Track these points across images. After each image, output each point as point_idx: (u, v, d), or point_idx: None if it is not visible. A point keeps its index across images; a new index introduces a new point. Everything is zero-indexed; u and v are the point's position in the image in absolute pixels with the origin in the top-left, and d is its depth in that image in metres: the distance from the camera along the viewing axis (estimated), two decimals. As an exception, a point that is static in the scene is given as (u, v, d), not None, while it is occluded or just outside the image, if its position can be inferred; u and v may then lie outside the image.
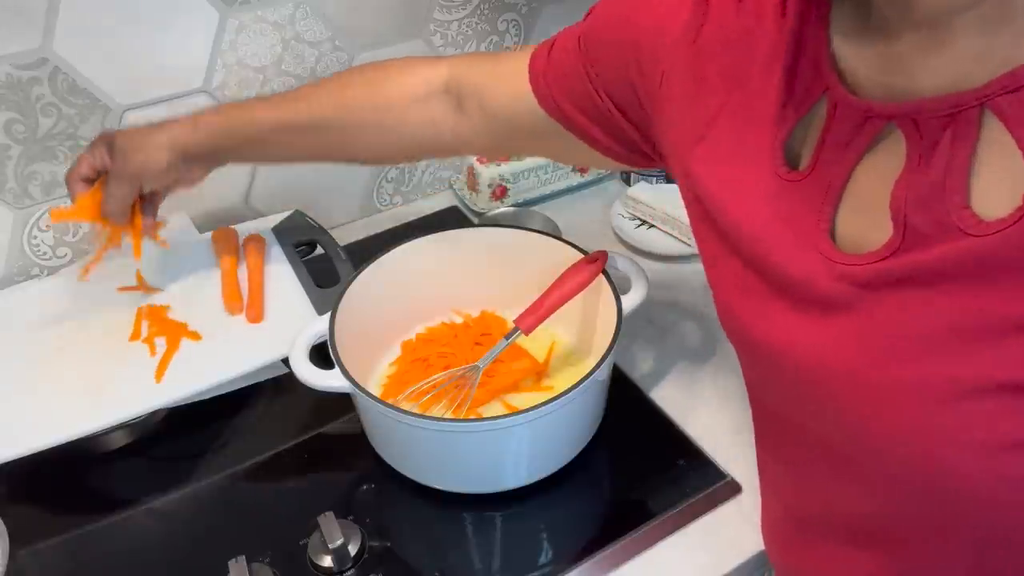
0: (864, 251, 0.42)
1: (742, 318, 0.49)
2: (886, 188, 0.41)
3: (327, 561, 0.66)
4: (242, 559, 0.64)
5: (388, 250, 0.81)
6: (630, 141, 0.62)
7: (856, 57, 0.43)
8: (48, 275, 0.94)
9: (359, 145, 0.73)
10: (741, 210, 0.47)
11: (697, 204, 0.52)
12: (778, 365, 0.47)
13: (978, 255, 0.37)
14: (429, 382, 0.77)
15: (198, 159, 0.74)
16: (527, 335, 0.75)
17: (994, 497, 0.39)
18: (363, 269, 0.79)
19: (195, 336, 0.81)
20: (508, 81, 0.65)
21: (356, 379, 0.68)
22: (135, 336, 0.82)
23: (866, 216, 0.42)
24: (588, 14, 0.62)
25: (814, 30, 0.45)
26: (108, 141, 0.73)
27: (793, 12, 0.46)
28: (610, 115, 0.61)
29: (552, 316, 0.75)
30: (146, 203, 0.77)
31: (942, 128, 0.39)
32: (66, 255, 0.95)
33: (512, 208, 1.05)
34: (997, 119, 0.37)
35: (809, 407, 0.47)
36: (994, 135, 0.37)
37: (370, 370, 0.83)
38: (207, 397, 0.77)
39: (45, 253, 0.94)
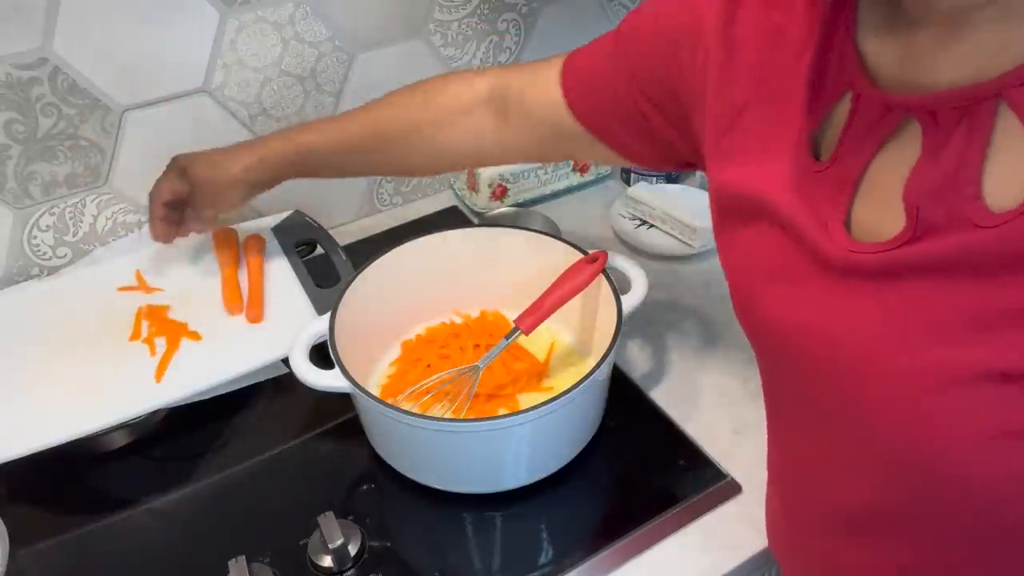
0: (878, 241, 0.43)
1: (757, 300, 0.50)
2: (902, 179, 0.42)
3: (327, 561, 0.67)
4: (242, 559, 0.64)
5: (388, 250, 0.81)
6: (666, 144, 0.63)
7: (880, 52, 0.44)
8: (48, 275, 0.94)
9: (411, 161, 0.77)
10: (769, 192, 0.48)
11: (723, 189, 0.53)
12: (788, 350, 0.48)
13: (987, 246, 0.38)
14: (429, 382, 0.77)
15: (261, 188, 0.80)
16: (527, 335, 0.75)
17: (996, 489, 0.39)
18: (363, 269, 0.79)
19: (195, 336, 0.81)
20: (545, 89, 0.67)
21: (356, 379, 0.68)
22: (135, 336, 0.82)
23: (881, 207, 0.43)
24: (622, 22, 0.63)
25: (842, 25, 0.46)
26: (182, 169, 0.78)
27: (822, 7, 0.47)
28: (645, 119, 0.62)
29: (552, 316, 0.75)
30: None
31: (957, 120, 0.39)
32: (66, 255, 0.95)
33: (512, 208, 1.05)
34: (1012, 111, 0.38)
35: (816, 395, 0.47)
36: (1008, 127, 0.38)
37: (370, 370, 0.83)
38: (207, 397, 0.77)
39: (45, 253, 0.94)
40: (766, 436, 0.60)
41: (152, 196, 0.80)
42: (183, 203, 0.81)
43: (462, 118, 0.72)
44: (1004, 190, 0.38)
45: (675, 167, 0.67)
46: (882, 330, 0.42)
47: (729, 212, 0.53)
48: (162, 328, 0.82)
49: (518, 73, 0.71)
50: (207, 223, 0.82)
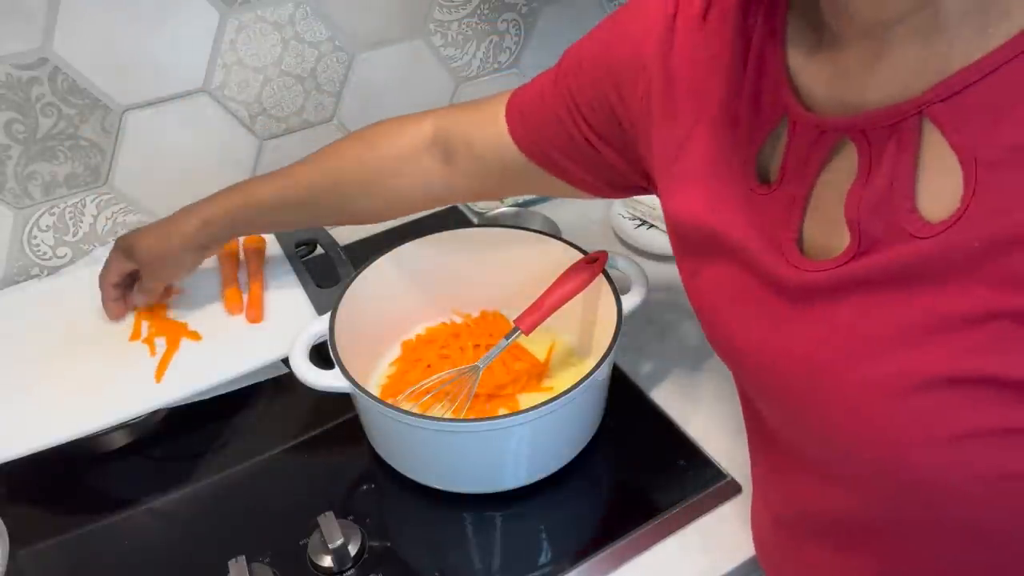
0: (828, 258, 0.44)
1: (724, 326, 0.52)
2: (844, 198, 0.43)
3: (327, 561, 0.67)
4: (242, 559, 0.64)
5: (388, 250, 0.81)
6: (616, 173, 0.64)
7: (811, 74, 0.45)
8: (48, 275, 0.94)
9: (360, 211, 0.77)
10: (720, 221, 0.50)
11: (676, 219, 0.54)
12: (755, 371, 0.49)
13: (924, 256, 0.39)
14: (429, 382, 0.77)
15: (212, 250, 0.81)
16: (527, 335, 0.75)
17: (964, 492, 0.40)
18: (363, 269, 0.79)
19: (195, 336, 0.81)
20: (491, 128, 0.67)
21: (356, 379, 0.68)
22: (135, 336, 0.82)
23: (828, 225, 0.45)
24: (563, 56, 0.64)
25: (773, 49, 0.47)
26: (128, 248, 0.79)
27: (754, 34, 0.48)
28: (593, 152, 0.63)
29: (552, 316, 0.75)
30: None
31: (887, 137, 0.41)
32: (66, 255, 0.95)
33: (512, 208, 1.05)
34: (935, 126, 0.39)
35: (785, 411, 0.49)
36: (934, 141, 0.39)
37: (370, 370, 0.83)
38: (207, 397, 0.77)
39: (45, 253, 0.94)
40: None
41: (100, 279, 0.81)
42: (133, 280, 0.82)
43: (407, 166, 0.71)
44: (937, 202, 0.39)
45: (628, 193, 0.67)
46: (838, 345, 0.43)
47: (685, 243, 0.54)
48: (162, 328, 0.82)
49: (462, 113, 0.70)
50: (151, 294, 0.82)
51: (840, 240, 0.43)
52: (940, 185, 0.39)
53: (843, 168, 0.44)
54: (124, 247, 0.79)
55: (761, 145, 0.48)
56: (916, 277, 0.40)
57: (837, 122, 0.43)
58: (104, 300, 0.82)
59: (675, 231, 0.56)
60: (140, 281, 0.81)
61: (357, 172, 0.73)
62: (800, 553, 0.56)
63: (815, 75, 0.45)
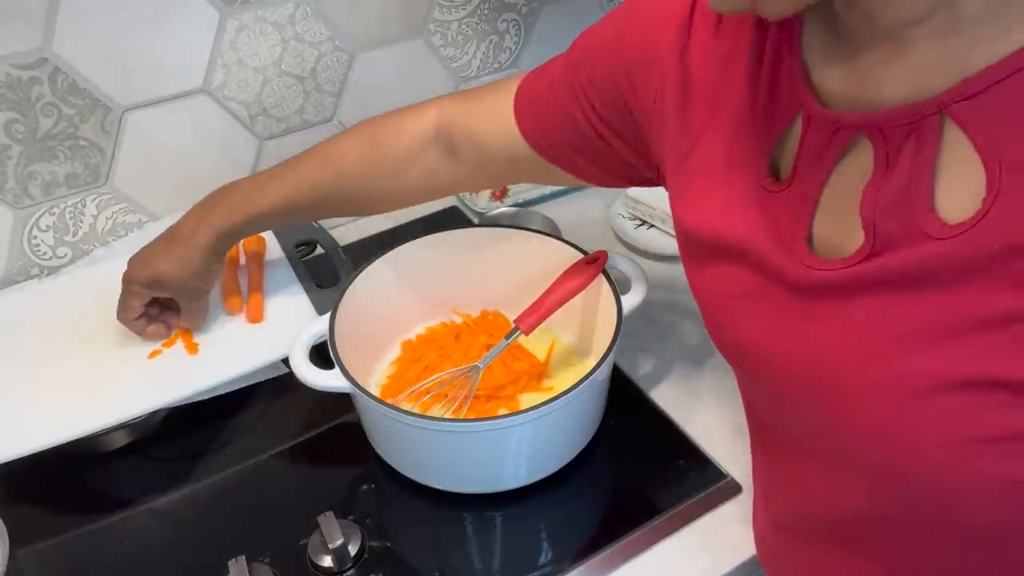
0: (839, 257, 0.43)
1: (730, 324, 0.51)
2: (858, 195, 0.43)
3: (327, 561, 0.67)
4: (242, 559, 0.64)
5: (388, 250, 0.81)
6: (626, 165, 0.63)
7: (826, 72, 0.45)
8: (48, 275, 0.94)
9: (364, 207, 0.77)
10: (729, 218, 0.49)
11: (684, 216, 0.54)
12: (762, 370, 0.49)
13: (942, 257, 0.38)
14: (429, 382, 0.77)
15: (224, 256, 0.79)
16: (527, 335, 0.75)
17: (971, 496, 0.40)
18: (363, 269, 0.79)
19: (195, 336, 0.81)
20: (496, 121, 0.67)
21: (356, 379, 0.68)
22: (135, 336, 0.81)
23: (841, 224, 0.44)
24: (573, 43, 0.63)
25: (788, 47, 0.47)
26: (151, 284, 0.76)
27: (769, 31, 0.48)
28: (604, 145, 0.62)
29: (552, 316, 0.75)
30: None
31: (905, 136, 0.40)
32: (66, 255, 0.95)
33: (512, 208, 1.05)
34: (956, 125, 0.38)
35: (793, 411, 0.48)
36: (954, 141, 0.39)
37: (370, 370, 0.83)
38: (207, 397, 0.77)
39: (45, 253, 0.94)
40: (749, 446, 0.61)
41: (125, 320, 0.78)
42: (155, 303, 0.80)
43: (412, 165, 0.71)
44: (956, 202, 0.39)
45: (635, 185, 0.67)
46: (850, 345, 0.42)
47: (693, 241, 0.54)
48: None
49: (466, 104, 0.69)
50: (201, 313, 0.80)
51: (853, 239, 0.43)
52: (960, 185, 0.38)
53: (857, 166, 0.43)
54: (147, 282, 0.76)
55: (775, 142, 0.48)
56: (933, 278, 0.39)
57: (853, 119, 0.43)
58: (140, 333, 0.80)
59: (682, 228, 0.55)
60: (184, 307, 0.79)
61: (362, 174, 0.72)
62: (803, 553, 0.56)
63: (830, 72, 0.45)
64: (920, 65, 0.39)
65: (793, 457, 0.52)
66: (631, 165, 0.63)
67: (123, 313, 0.78)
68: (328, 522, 0.66)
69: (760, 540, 0.64)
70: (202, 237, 0.75)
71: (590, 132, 0.62)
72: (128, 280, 0.77)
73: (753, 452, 0.61)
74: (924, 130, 0.39)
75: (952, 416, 0.39)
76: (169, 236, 0.76)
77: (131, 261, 0.77)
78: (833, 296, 0.43)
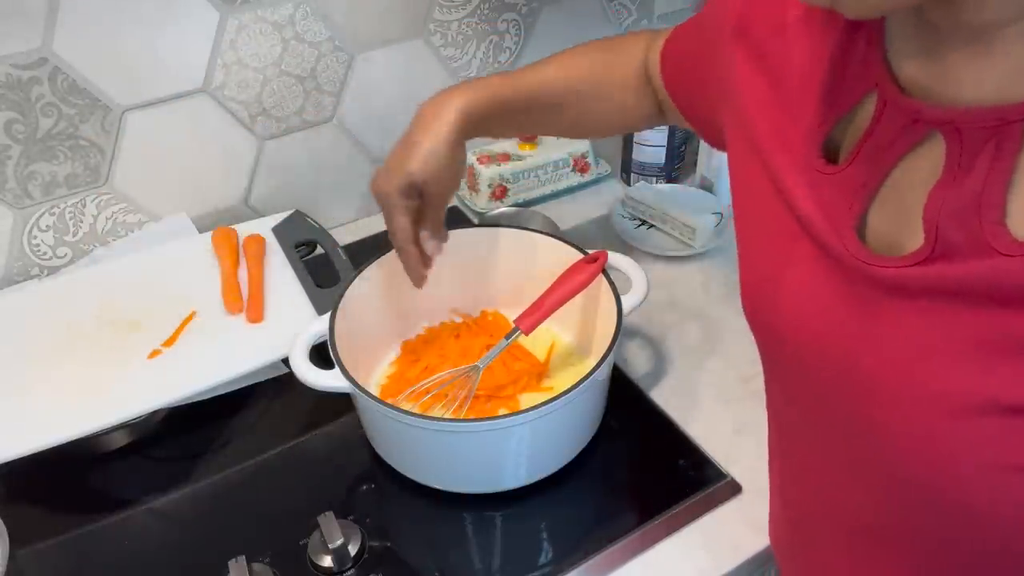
0: (893, 254, 0.42)
1: (774, 299, 0.49)
2: (921, 194, 0.40)
3: (327, 561, 0.67)
4: (242, 559, 0.64)
5: (388, 250, 0.81)
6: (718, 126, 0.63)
7: (905, 60, 0.43)
8: (48, 275, 0.94)
9: (578, 123, 0.78)
10: (787, 192, 0.47)
11: (740, 184, 0.53)
12: (801, 354, 0.47)
13: (1006, 274, 0.36)
14: (429, 382, 0.77)
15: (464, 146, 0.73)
16: (527, 335, 0.75)
17: (997, 518, 0.39)
18: (363, 269, 0.79)
19: (195, 336, 0.81)
20: (657, 71, 0.72)
21: (356, 379, 0.68)
22: (135, 335, 0.81)
23: (898, 219, 0.42)
24: (706, 4, 0.64)
25: (867, 28, 0.45)
26: (408, 190, 0.69)
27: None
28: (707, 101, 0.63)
29: (552, 316, 0.75)
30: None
31: (985, 140, 0.38)
32: (66, 255, 0.95)
33: (512, 208, 1.05)
34: None
35: (826, 403, 0.47)
36: None
37: (370, 370, 0.83)
38: (207, 397, 0.77)
39: (45, 253, 0.94)
40: (767, 441, 0.60)
41: (403, 242, 0.72)
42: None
43: (631, 93, 0.75)
44: None
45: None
46: (899, 351, 0.41)
47: (747, 200, 0.52)
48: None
49: (656, 42, 0.73)
50: (441, 222, 0.75)
51: (910, 238, 0.41)
52: None
53: (926, 162, 0.41)
54: (404, 188, 0.69)
55: (833, 123, 0.46)
56: (993, 294, 0.37)
57: (936, 113, 0.40)
58: (415, 267, 0.74)
59: (738, 191, 0.54)
60: (432, 215, 0.73)
61: (594, 94, 0.75)
62: (815, 551, 0.55)
63: (908, 62, 0.42)
64: (1006, 68, 0.37)
65: (816, 454, 0.51)
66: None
67: (398, 235, 0.72)
68: (328, 522, 0.66)
69: (776, 539, 0.64)
70: (447, 117, 0.68)
71: (703, 83, 0.63)
72: (383, 194, 0.70)
73: (771, 446, 0.60)
74: (1006, 136, 0.37)
75: (994, 439, 0.37)
76: (406, 140, 0.70)
77: (378, 175, 0.71)
78: (884, 293, 0.41)
